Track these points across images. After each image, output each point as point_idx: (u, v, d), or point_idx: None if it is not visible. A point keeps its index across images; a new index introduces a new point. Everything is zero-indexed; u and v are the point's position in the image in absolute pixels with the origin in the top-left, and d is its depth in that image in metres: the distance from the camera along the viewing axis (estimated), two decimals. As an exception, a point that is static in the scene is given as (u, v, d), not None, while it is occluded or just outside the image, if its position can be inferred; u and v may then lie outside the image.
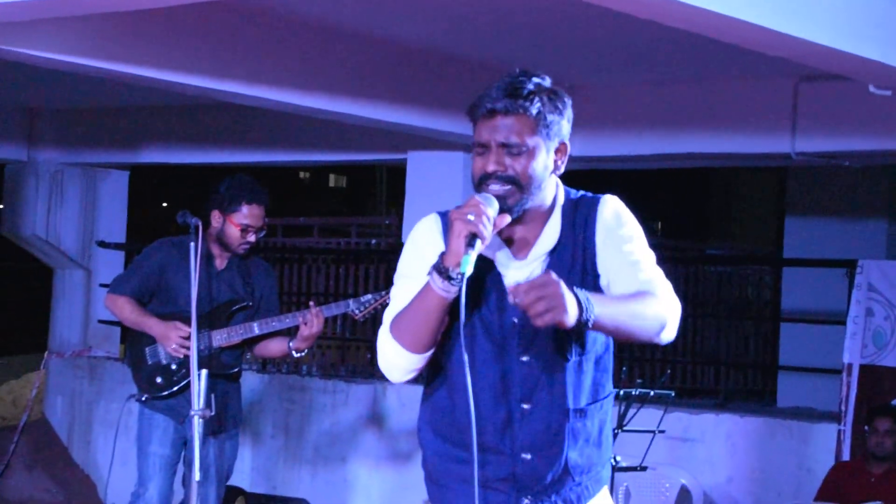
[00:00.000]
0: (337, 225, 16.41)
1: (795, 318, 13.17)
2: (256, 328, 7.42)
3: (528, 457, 3.89)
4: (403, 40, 9.90)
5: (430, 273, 3.62)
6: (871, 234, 13.42)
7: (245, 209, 7.42)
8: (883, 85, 7.94)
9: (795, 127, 10.19)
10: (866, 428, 9.23)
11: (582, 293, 3.46)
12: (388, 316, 3.90)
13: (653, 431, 8.49)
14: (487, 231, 3.52)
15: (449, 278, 3.54)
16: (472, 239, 3.51)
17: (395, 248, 12.43)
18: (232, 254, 7.48)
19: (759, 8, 6.65)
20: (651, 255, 3.86)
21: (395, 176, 12.69)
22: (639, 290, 3.74)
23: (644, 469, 8.45)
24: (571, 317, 3.38)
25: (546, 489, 3.93)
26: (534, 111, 3.68)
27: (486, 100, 3.72)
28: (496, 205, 3.60)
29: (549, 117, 3.73)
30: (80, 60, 8.84)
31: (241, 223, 7.38)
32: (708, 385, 13.30)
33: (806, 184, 13.88)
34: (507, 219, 3.66)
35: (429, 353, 3.83)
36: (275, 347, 7.57)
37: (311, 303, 7.47)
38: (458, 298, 3.53)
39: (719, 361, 13.58)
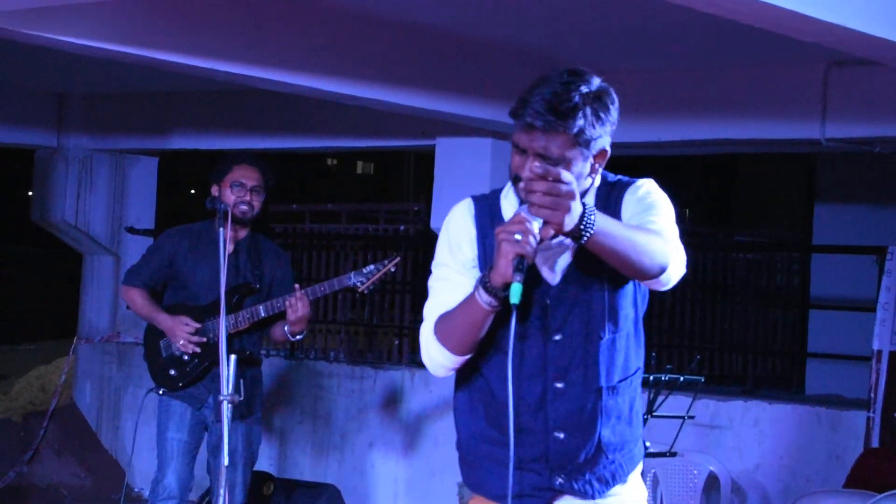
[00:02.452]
0: (365, 211, 16.38)
1: (824, 304, 13.14)
2: (262, 311, 7.42)
3: (562, 436, 3.91)
4: (432, 25, 9.88)
5: (476, 287, 3.62)
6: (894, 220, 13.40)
7: (235, 170, 7.55)
8: (909, 72, 7.93)
9: (825, 113, 10.14)
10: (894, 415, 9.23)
11: (590, 206, 3.51)
12: (430, 311, 3.93)
13: (682, 417, 8.46)
14: (530, 249, 3.42)
15: (495, 296, 3.54)
16: (520, 261, 3.42)
17: (424, 235, 12.43)
18: (241, 231, 7.50)
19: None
20: (675, 229, 3.81)
21: (424, 162, 12.67)
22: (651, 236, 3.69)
23: (673, 455, 8.42)
24: (571, 222, 3.41)
25: (580, 468, 3.94)
26: (574, 129, 3.62)
27: (528, 112, 3.63)
28: (539, 224, 3.45)
29: (590, 132, 3.66)
30: (109, 46, 8.85)
31: (231, 182, 7.46)
32: (736, 372, 13.26)
33: (836, 170, 13.85)
34: (551, 231, 3.48)
35: (468, 356, 3.86)
36: (277, 332, 7.59)
37: (297, 286, 7.47)
38: (507, 311, 3.51)
39: (748, 348, 13.53)
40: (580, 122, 3.62)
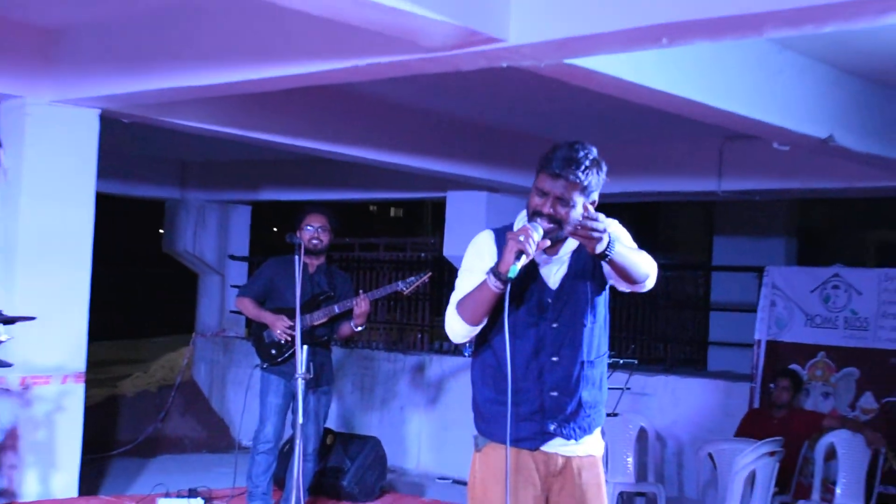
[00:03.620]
0: (396, 243, 16.42)
1: (721, 308, 13.18)
2: (337, 309, 7.53)
3: (555, 394, 4.06)
4: (443, 112, 9.91)
5: (487, 273, 3.83)
6: (774, 249, 13.42)
7: (308, 216, 7.69)
8: (782, 142, 7.92)
9: (721, 172, 10.18)
10: (771, 385, 9.25)
11: (615, 238, 3.83)
12: (454, 298, 4.06)
13: (622, 388, 8.49)
14: (531, 249, 3.76)
15: (500, 279, 3.76)
16: (519, 254, 3.72)
17: (438, 260, 12.45)
18: (317, 260, 7.62)
19: (695, 86, 6.64)
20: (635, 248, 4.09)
21: (438, 208, 12.76)
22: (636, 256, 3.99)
23: (615, 415, 8.45)
24: (601, 248, 3.75)
25: (567, 418, 4.06)
26: (584, 182, 3.88)
27: (556, 164, 3.90)
28: (541, 231, 3.82)
29: (592, 185, 3.95)
30: (219, 128, 8.89)
31: (306, 224, 7.61)
32: (659, 356, 13.28)
33: (728, 212, 13.88)
34: (548, 243, 3.88)
35: (481, 325, 4.00)
36: (344, 328, 7.73)
37: (361, 291, 7.76)
38: (504, 292, 3.81)
39: (667, 339, 13.56)
40: (588, 176, 3.90)
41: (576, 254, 4.09)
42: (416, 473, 11.29)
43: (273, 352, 7.64)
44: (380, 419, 11.92)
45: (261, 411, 7.73)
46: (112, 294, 9.93)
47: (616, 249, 3.81)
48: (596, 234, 3.72)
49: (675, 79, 6.50)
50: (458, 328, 4.02)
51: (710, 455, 8.39)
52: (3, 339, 7.01)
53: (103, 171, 8.69)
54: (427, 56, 6.01)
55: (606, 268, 3.98)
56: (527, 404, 4.00)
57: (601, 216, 3.81)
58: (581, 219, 3.78)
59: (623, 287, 4.06)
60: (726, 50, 6.72)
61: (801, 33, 5.57)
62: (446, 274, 12.16)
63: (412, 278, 7.70)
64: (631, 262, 3.91)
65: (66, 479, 8.51)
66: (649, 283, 4.06)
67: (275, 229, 15.07)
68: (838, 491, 8.35)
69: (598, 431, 4.18)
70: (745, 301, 11.70)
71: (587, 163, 3.91)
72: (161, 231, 14.79)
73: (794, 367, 9.76)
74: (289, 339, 7.52)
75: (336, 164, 10.93)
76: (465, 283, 4.04)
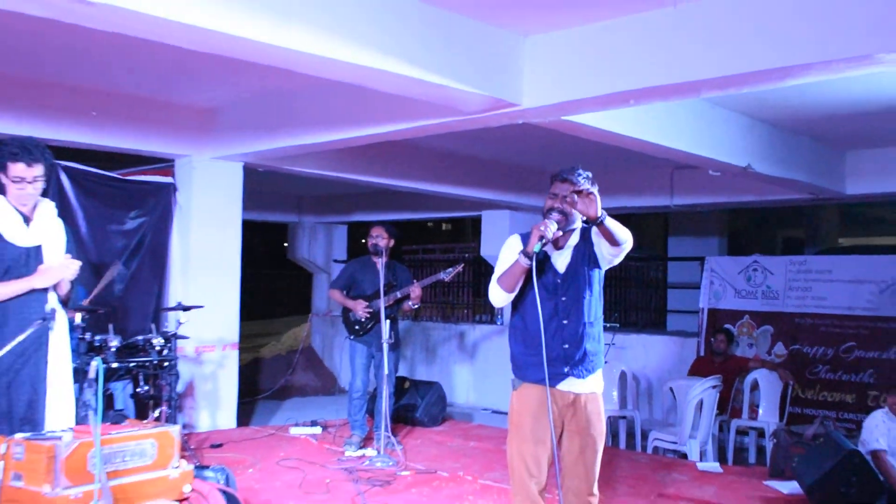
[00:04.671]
0: (448, 247, 16.41)
1: (675, 286, 13.12)
2: (398, 294, 7.43)
3: (567, 346, 4.05)
4: (479, 155, 9.93)
5: (519, 255, 3.92)
6: (711, 244, 13.34)
7: (371, 229, 7.55)
8: (715, 170, 7.88)
9: (672, 192, 10.13)
10: (711, 339, 9.20)
11: (603, 211, 3.87)
12: (495, 277, 4.09)
13: (608, 344, 8.46)
14: (549, 234, 3.90)
15: (528, 257, 3.87)
16: (540, 237, 3.86)
17: (476, 259, 12.42)
18: (382, 258, 7.37)
19: (653, 132, 6.63)
20: None
21: (476, 222, 12.86)
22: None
23: (605, 363, 8.41)
24: (598, 213, 3.83)
25: (576, 363, 4.06)
26: (582, 186, 3.93)
27: (563, 174, 4.07)
28: (555, 225, 3.93)
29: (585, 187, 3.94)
30: (327, 173, 8.94)
31: (369, 235, 7.50)
32: (633, 320, 13.23)
33: (678, 219, 13.80)
34: (560, 233, 4.01)
35: (514, 293, 4.07)
36: (405, 306, 7.62)
37: (415, 281, 7.63)
38: (532, 268, 3.88)
39: (639, 308, 13.52)
40: (584, 182, 3.99)
41: (577, 248, 4.12)
42: (465, 406, 11.28)
43: (356, 327, 7.59)
44: (439, 370, 11.93)
45: (351, 369, 7.67)
46: (254, 288, 10.00)
47: (607, 218, 3.89)
48: (594, 197, 3.84)
49: (638, 127, 6.50)
50: (498, 295, 4.06)
51: (671, 389, 8.35)
52: (182, 321, 7.09)
53: (246, 205, 8.76)
54: (465, 118, 6.04)
55: (596, 241, 4.04)
56: (550, 352, 3.98)
57: (596, 195, 3.89)
58: (587, 189, 3.89)
59: (610, 252, 4.04)
60: (675, 107, 6.71)
61: (726, 94, 5.59)
62: (482, 268, 12.15)
63: (450, 269, 7.67)
64: (616, 228, 3.94)
65: (227, 415, 8.58)
66: (627, 247, 4.03)
67: (363, 241, 15.09)
68: (761, 411, 8.32)
69: (599, 372, 4.16)
70: (692, 281, 11.66)
71: (583, 173, 4.04)
72: (286, 244, 14.86)
73: (727, 326, 9.73)
74: (367, 316, 7.49)
75: (403, 194, 10.98)
76: (502, 266, 4.08)
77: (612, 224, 3.91)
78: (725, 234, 13.74)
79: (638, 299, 13.77)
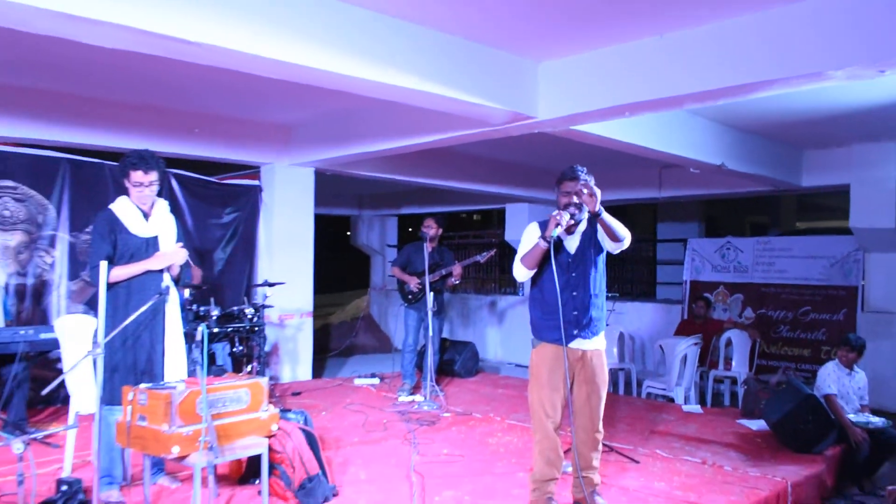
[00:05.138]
0: (479, 234, 16.35)
1: (664, 262, 12.99)
2: (443, 271, 7.39)
3: (576, 313, 4.02)
4: (503, 159, 9.88)
5: (539, 238, 3.91)
6: (692, 228, 13.18)
7: (424, 221, 7.47)
8: (695, 168, 7.78)
9: (661, 186, 10.03)
10: (693, 305, 9.11)
11: (601, 207, 3.85)
12: (518, 257, 4.06)
13: (610, 310, 8.40)
14: (564, 223, 3.82)
15: (546, 241, 3.86)
16: (556, 225, 3.83)
17: (501, 243, 12.37)
18: (432, 243, 7.41)
19: (644, 138, 6.57)
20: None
21: (501, 213, 12.81)
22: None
23: (607, 325, 8.37)
24: (596, 208, 3.82)
25: (584, 326, 4.04)
26: (585, 180, 3.93)
27: (569, 174, 4.03)
28: (568, 215, 3.88)
29: (589, 182, 3.94)
30: (378, 175, 8.93)
31: (423, 224, 7.42)
32: (629, 291, 13.13)
33: (665, 208, 13.65)
34: (573, 222, 3.92)
35: (534, 270, 4.04)
36: (450, 281, 7.53)
37: (456, 261, 7.52)
38: (549, 250, 3.88)
39: (634, 281, 13.40)
40: (587, 179, 3.95)
41: (585, 233, 4.09)
42: (494, 361, 11.29)
43: (410, 297, 7.58)
44: (473, 332, 11.94)
45: (404, 330, 7.65)
46: (324, 268, 10.06)
47: (604, 213, 3.88)
48: (595, 197, 3.81)
49: (633, 134, 6.44)
50: (521, 272, 4.04)
51: (661, 346, 8.28)
52: (268, 294, 7.14)
53: (316, 201, 8.79)
54: (492, 129, 6.01)
55: (599, 230, 4.01)
56: (559, 319, 3.98)
57: (596, 189, 3.87)
58: (585, 185, 3.86)
59: (611, 245, 4.03)
60: (662, 117, 6.64)
61: (705, 105, 5.51)
62: (506, 250, 12.12)
63: (485, 253, 7.62)
64: (614, 224, 3.93)
65: (304, 369, 8.65)
66: (626, 242, 4.01)
67: (409, 229, 15.07)
68: (734, 363, 8.24)
69: (602, 334, 4.14)
70: (677, 258, 11.56)
71: (584, 171, 4.02)
72: (348, 233, 14.91)
73: (706, 294, 9.63)
74: (418, 289, 7.49)
75: (442, 191, 10.96)
76: (524, 248, 4.06)
77: (610, 219, 3.91)
78: (703, 219, 13.58)
79: (633, 274, 13.66)
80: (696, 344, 7.66)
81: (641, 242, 13.69)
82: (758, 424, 6.30)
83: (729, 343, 8.31)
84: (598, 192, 3.84)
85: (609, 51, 5.18)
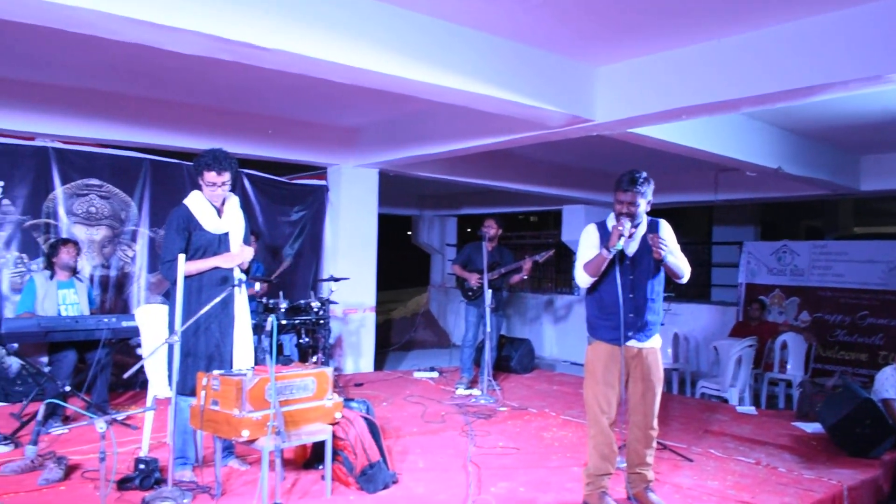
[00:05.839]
0: (536, 234, 16.26)
1: (719, 265, 12.73)
2: (503, 270, 7.35)
3: (632, 315, 3.95)
4: (560, 161, 9.82)
5: (600, 248, 3.87)
6: (748, 232, 12.90)
7: (484, 221, 7.43)
8: (752, 171, 7.62)
9: (717, 189, 9.83)
10: (748, 308, 8.92)
11: (667, 250, 3.84)
12: (579, 263, 4.01)
13: (665, 310, 8.28)
14: (626, 234, 3.80)
15: (609, 251, 3.81)
16: (619, 237, 3.80)
17: (558, 243, 12.28)
18: (492, 243, 7.38)
19: (701, 141, 6.45)
20: (678, 246, 4.03)
21: (557, 214, 12.72)
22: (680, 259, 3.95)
23: (662, 325, 8.24)
24: (662, 256, 3.81)
25: (639, 329, 3.97)
26: (642, 190, 3.86)
27: (625, 183, 3.89)
28: (629, 225, 3.85)
29: (646, 192, 3.91)
30: (439, 176, 8.94)
31: (484, 224, 7.38)
32: (684, 292, 12.91)
33: (722, 212, 13.38)
34: (633, 230, 3.90)
35: (596, 278, 3.95)
36: (515, 278, 7.48)
37: (527, 256, 7.41)
38: (613, 258, 3.84)
39: (689, 283, 13.17)
40: (643, 187, 3.86)
41: (644, 238, 4.01)
42: (550, 359, 11.21)
43: (470, 293, 7.58)
44: (529, 330, 11.88)
45: (464, 326, 7.65)
46: (386, 266, 10.13)
47: (668, 259, 3.84)
48: (662, 251, 3.80)
49: (689, 137, 6.33)
50: (584, 279, 3.98)
51: (715, 347, 8.13)
52: (333, 289, 7.23)
53: (380, 202, 8.87)
54: (550, 131, 5.98)
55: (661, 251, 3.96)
56: (615, 320, 3.94)
57: (665, 242, 3.84)
58: (656, 240, 3.81)
59: (668, 272, 4.01)
60: (719, 120, 6.51)
61: (762, 109, 5.38)
62: (563, 251, 12.03)
63: (543, 252, 7.54)
64: (676, 267, 3.89)
65: (367, 361, 8.73)
66: (684, 279, 3.98)
67: (468, 229, 15.08)
68: (789, 366, 8.03)
69: (657, 335, 4.07)
70: (732, 261, 11.33)
71: (641, 180, 3.89)
72: (409, 232, 15.00)
73: (761, 297, 9.42)
74: (478, 286, 7.47)
75: (501, 192, 10.93)
76: (585, 254, 3.99)
77: (673, 262, 3.89)
78: (759, 224, 13.28)
79: (691, 276, 13.45)
80: (750, 346, 7.48)
81: (697, 245, 13.44)
82: (813, 427, 6.12)
83: (784, 346, 8.10)
84: (665, 249, 3.83)
85: (666, 55, 5.10)
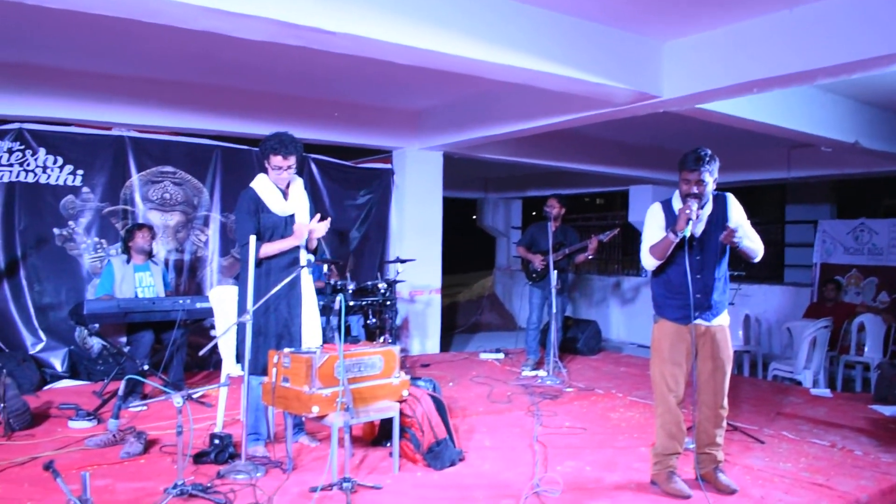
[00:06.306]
0: (601, 216, 16.07)
1: (793, 244, 12.38)
2: (568, 250, 7.28)
3: (699, 296, 3.88)
4: (626, 140, 9.67)
5: (667, 231, 3.81)
6: (823, 210, 12.48)
7: (547, 200, 7.33)
8: (827, 146, 7.36)
9: (790, 165, 9.53)
10: (823, 288, 8.66)
11: (742, 236, 3.72)
12: (645, 247, 3.95)
13: (735, 289, 8.11)
14: (694, 217, 3.70)
15: (676, 235, 3.74)
16: (687, 220, 3.73)
17: (625, 224, 12.09)
18: (556, 223, 7.29)
19: (773, 116, 6.27)
20: (748, 223, 3.91)
21: (624, 195, 12.48)
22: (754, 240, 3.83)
23: (732, 304, 8.05)
24: (737, 243, 3.70)
25: (705, 308, 3.89)
26: (709, 168, 3.77)
27: (690, 162, 3.78)
28: (696, 206, 3.75)
29: (713, 170, 3.80)
30: (503, 157, 8.93)
31: (546, 205, 7.28)
32: (755, 273, 12.61)
33: (794, 189, 12.98)
34: (700, 211, 3.81)
35: (663, 260, 3.88)
36: (580, 257, 7.38)
37: (593, 234, 7.28)
38: (676, 241, 3.76)
39: (761, 263, 12.83)
40: (709, 165, 3.76)
41: (710, 217, 3.90)
42: (617, 341, 11.09)
43: (534, 275, 7.52)
44: (596, 311, 11.77)
45: (529, 308, 7.61)
46: (452, 249, 10.16)
47: (743, 244, 3.75)
48: (734, 240, 3.68)
49: (760, 112, 6.15)
50: (651, 262, 3.90)
51: (788, 328, 7.92)
52: (399, 271, 7.30)
53: (445, 185, 8.89)
54: (616, 109, 5.89)
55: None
56: (682, 300, 3.87)
57: (739, 230, 3.72)
58: (729, 232, 3.69)
59: (744, 256, 3.92)
60: (791, 93, 6.31)
61: (838, 80, 5.19)
62: (630, 232, 11.85)
63: (607, 232, 7.38)
64: (750, 250, 3.80)
65: (433, 343, 8.79)
66: (757, 259, 3.88)
67: (533, 213, 14.99)
68: (866, 348, 7.76)
69: (725, 314, 3.98)
70: (806, 241, 11.01)
71: (707, 158, 3.78)
72: (475, 216, 14.99)
73: (837, 277, 9.12)
74: (542, 267, 7.41)
75: (566, 173, 10.86)
76: (650, 235, 3.93)
77: (747, 245, 3.78)
78: (834, 201, 12.84)
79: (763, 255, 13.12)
80: (825, 327, 7.26)
81: (769, 225, 13.08)
82: (891, 410, 5.92)
83: (862, 328, 7.82)
84: (738, 237, 3.71)
85: (736, 27, 4.95)
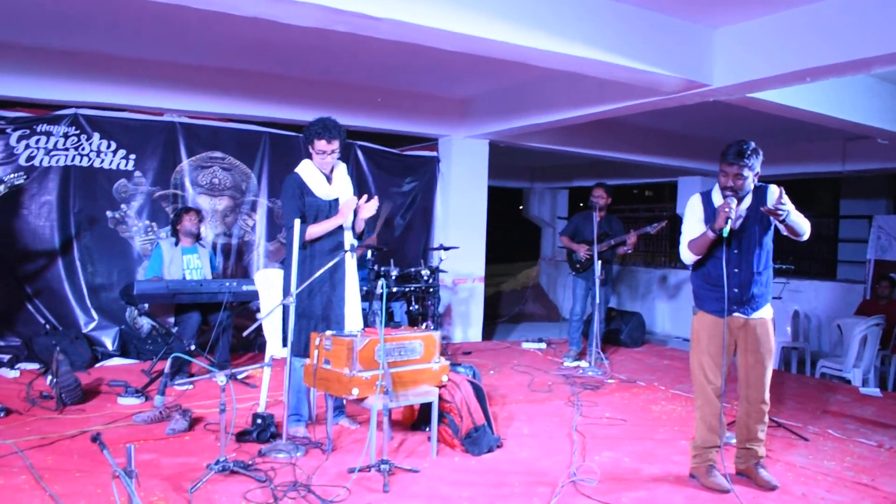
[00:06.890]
0: (649, 208, 15.85)
1: (845, 240, 12.07)
2: (612, 242, 7.18)
3: (737, 290, 3.81)
4: (673, 130, 9.53)
5: (707, 228, 3.74)
6: (879, 205, 12.15)
7: (593, 189, 7.23)
8: (883, 139, 7.14)
9: (844, 159, 9.28)
10: (876, 285, 8.43)
11: (788, 209, 3.59)
12: (683, 240, 3.91)
13: (783, 283, 7.96)
14: (733, 216, 3.63)
15: (715, 233, 3.68)
16: (726, 219, 3.63)
17: (672, 216, 11.93)
18: (601, 212, 7.20)
19: (827, 106, 6.12)
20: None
21: (672, 186, 12.36)
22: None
23: (779, 298, 7.90)
24: (782, 217, 3.56)
25: (744, 303, 3.84)
26: (749, 163, 3.68)
27: (731, 156, 3.70)
28: (735, 201, 3.69)
29: (754, 165, 3.71)
30: (550, 146, 8.87)
31: (593, 195, 7.17)
32: (805, 268, 12.33)
33: (848, 183, 12.66)
34: (740, 209, 3.76)
35: (702, 255, 3.83)
36: (621, 250, 7.30)
37: (632, 230, 7.23)
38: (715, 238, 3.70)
39: (812, 258, 12.55)
40: (750, 160, 3.67)
41: (750, 209, 3.84)
42: (661, 334, 10.98)
43: (578, 265, 7.46)
44: (640, 304, 11.66)
45: (572, 298, 7.55)
46: (496, 238, 10.15)
47: (790, 219, 3.63)
48: (779, 211, 3.55)
49: (814, 102, 6.00)
50: (689, 257, 3.86)
51: (839, 325, 7.74)
52: (443, 258, 7.32)
53: (490, 174, 8.88)
54: (665, 97, 5.81)
55: (780, 225, 3.76)
56: (719, 293, 3.80)
57: (784, 198, 3.61)
58: (775, 204, 3.58)
59: (787, 234, 3.81)
60: (846, 82, 6.15)
61: (893, 68, 5.03)
62: (678, 224, 11.68)
63: (655, 224, 7.28)
64: (797, 225, 3.67)
65: (475, 331, 8.80)
66: (805, 237, 3.75)
67: (580, 204, 14.87)
68: (921, 347, 7.57)
69: (767, 307, 3.91)
70: (861, 236, 10.73)
71: (749, 152, 3.68)
72: (521, 206, 14.93)
73: (892, 274, 8.87)
74: (586, 257, 7.34)
75: (613, 163, 10.75)
76: (689, 229, 3.89)
77: (795, 221, 3.67)
78: (891, 196, 12.48)
79: (810, 250, 12.78)
80: (877, 325, 7.07)
81: (822, 218, 12.78)
82: (945, 411, 5.75)
83: (916, 326, 7.62)
84: (785, 209, 3.59)
85: (790, 13, 4.84)
